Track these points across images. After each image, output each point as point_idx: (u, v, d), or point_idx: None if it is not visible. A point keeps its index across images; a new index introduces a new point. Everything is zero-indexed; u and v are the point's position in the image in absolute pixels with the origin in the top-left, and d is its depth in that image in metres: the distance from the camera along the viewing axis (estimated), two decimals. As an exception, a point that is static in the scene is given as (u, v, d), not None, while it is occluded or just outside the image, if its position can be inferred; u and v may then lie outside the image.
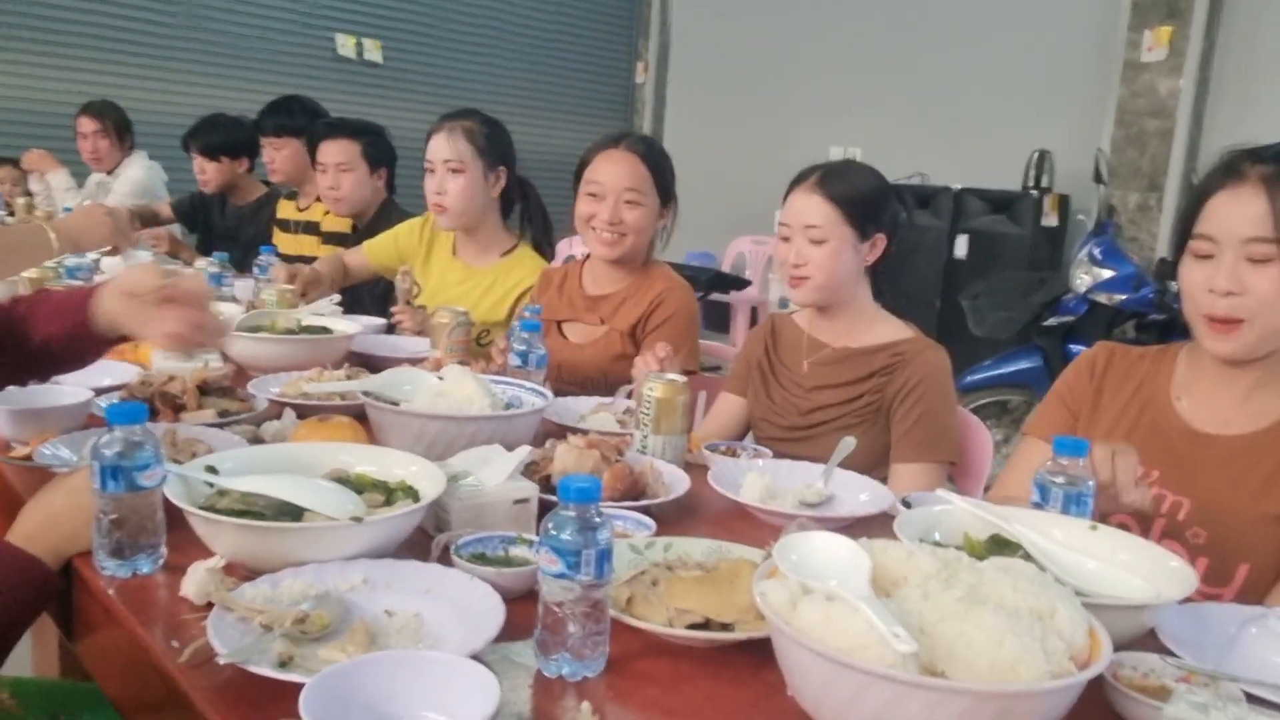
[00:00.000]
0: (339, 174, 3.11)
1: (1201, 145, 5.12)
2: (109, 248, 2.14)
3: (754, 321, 6.79)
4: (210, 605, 0.98)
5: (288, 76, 6.27)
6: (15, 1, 5.57)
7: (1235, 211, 1.28)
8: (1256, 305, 1.27)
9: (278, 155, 3.53)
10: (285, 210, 3.64)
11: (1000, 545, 1.12)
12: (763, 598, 0.84)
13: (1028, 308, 4.04)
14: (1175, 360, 1.48)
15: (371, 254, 2.73)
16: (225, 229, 4.01)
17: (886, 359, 1.82)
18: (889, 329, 1.88)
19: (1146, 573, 1.03)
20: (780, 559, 0.88)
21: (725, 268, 7.01)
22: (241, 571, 1.04)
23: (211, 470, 1.14)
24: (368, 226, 3.11)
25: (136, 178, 4.40)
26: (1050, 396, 1.58)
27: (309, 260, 3.33)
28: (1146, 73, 5.39)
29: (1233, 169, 1.31)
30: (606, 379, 2.10)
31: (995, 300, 4.14)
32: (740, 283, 6.43)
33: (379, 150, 3.16)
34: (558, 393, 2.23)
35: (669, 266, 2.29)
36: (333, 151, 3.12)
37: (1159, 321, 3.87)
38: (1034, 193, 5.37)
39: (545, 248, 2.62)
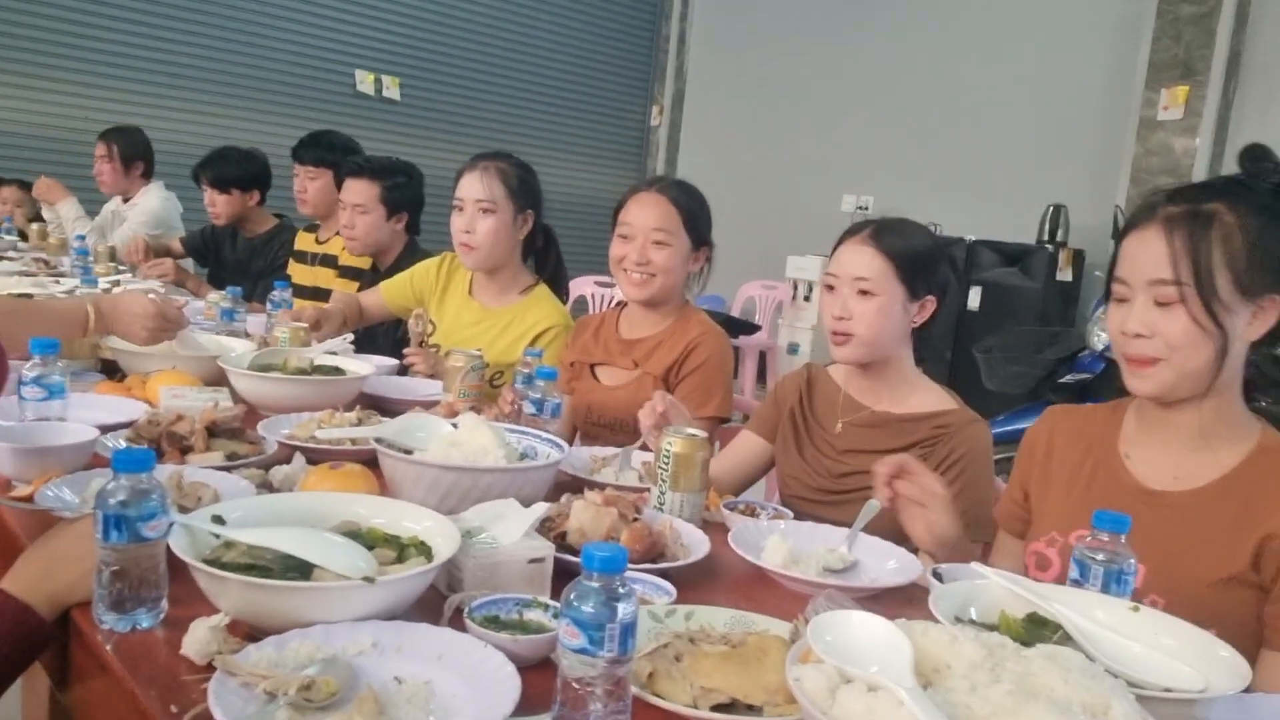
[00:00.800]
0: (355, 214, 3.11)
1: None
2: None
3: (763, 366, 6.76)
4: (211, 665, 0.94)
5: (308, 111, 6.33)
6: (41, 29, 5.64)
7: (1141, 253, 1.28)
8: (1163, 348, 1.26)
9: (310, 185, 3.53)
10: (303, 242, 3.63)
11: (1038, 624, 1.07)
12: (798, 684, 0.79)
13: (1041, 363, 4.00)
14: (1124, 415, 1.44)
15: (388, 295, 2.71)
16: (236, 261, 4.00)
17: (929, 430, 1.77)
18: (932, 397, 1.83)
19: (1193, 659, 0.98)
20: (815, 640, 0.84)
21: (735, 312, 7.00)
22: (245, 629, 0.99)
23: (218, 520, 1.10)
24: (390, 268, 3.08)
25: (151, 208, 4.40)
26: (1010, 480, 1.58)
27: (324, 293, 3.32)
28: (1161, 131, 5.41)
29: (1146, 208, 1.30)
30: (638, 422, 2.07)
31: (1009, 354, 4.11)
32: (750, 327, 6.42)
33: (401, 194, 3.13)
34: (586, 433, 2.22)
35: (705, 313, 2.27)
36: (353, 191, 3.12)
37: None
38: (1048, 247, 5.36)
39: (560, 293, 2.60)
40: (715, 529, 1.44)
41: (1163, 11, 5.35)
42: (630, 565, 1.23)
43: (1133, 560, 1.12)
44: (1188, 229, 1.24)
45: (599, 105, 8.09)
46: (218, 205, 3.87)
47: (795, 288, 6.69)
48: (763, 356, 6.75)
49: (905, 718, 0.72)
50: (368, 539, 1.13)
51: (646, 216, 2.17)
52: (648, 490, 1.53)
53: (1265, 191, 1.26)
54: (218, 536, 1.08)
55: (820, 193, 6.95)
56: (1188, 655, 0.99)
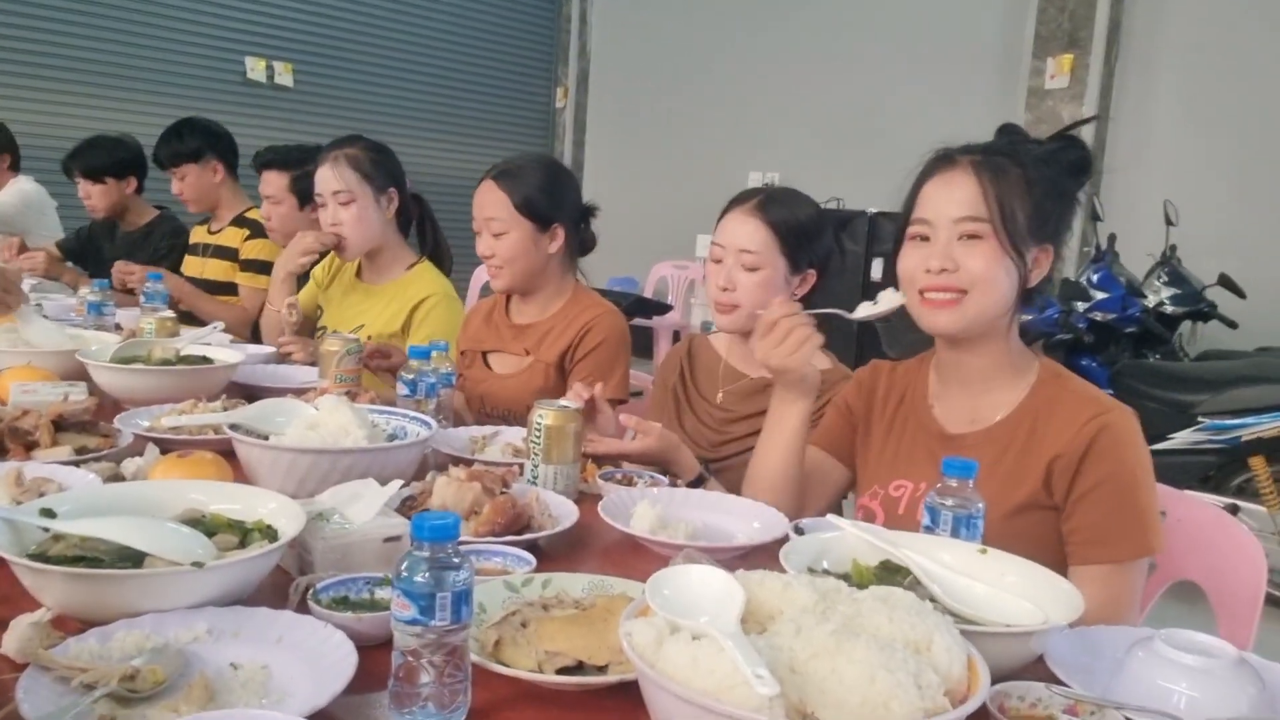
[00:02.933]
0: (269, 206, 3.06)
1: (1104, 170, 5.28)
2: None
3: (676, 346, 6.79)
4: (33, 664, 0.90)
5: (195, 100, 6.11)
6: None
7: (946, 195, 1.35)
8: (968, 281, 1.32)
9: (183, 186, 3.40)
10: (197, 235, 3.52)
11: (890, 572, 1.08)
12: (628, 638, 0.78)
13: (938, 330, 4.08)
14: (929, 368, 1.51)
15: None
16: (116, 256, 3.83)
17: None
18: None
19: (1036, 596, 1.00)
20: (652, 595, 0.83)
21: (647, 293, 7.01)
22: (75, 625, 0.95)
23: (48, 513, 1.04)
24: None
25: (6, 202, 4.19)
26: (830, 409, 1.63)
27: (218, 285, 3.22)
28: (1050, 99, 5.55)
29: (945, 158, 1.39)
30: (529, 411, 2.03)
31: (908, 322, 4.18)
32: (662, 308, 6.43)
33: (310, 182, 3.03)
34: (480, 424, 2.16)
35: (597, 293, 2.20)
36: (264, 184, 3.07)
37: (1064, 341, 3.96)
38: (945, 216, 5.47)
39: (444, 260, 2.58)
40: (593, 500, 1.43)
41: (1047, -17, 5.49)
42: (492, 538, 1.22)
43: (981, 505, 1.14)
44: (992, 172, 1.33)
45: (502, 88, 7.98)
46: (93, 197, 3.70)
47: (706, 266, 6.72)
48: (676, 336, 6.77)
49: (727, 663, 0.72)
50: (210, 526, 1.09)
51: (483, 206, 2.08)
52: (519, 465, 1.51)
53: (1032, 158, 1.36)
54: (47, 531, 1.03)
55: (728, 170, 6.97)
56: (1031, 593, 1.01)
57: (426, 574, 0.82)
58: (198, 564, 0.95)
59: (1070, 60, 5.46)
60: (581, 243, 2.19)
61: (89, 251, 3.93)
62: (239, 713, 0.79)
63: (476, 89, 7.79)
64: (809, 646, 0.74)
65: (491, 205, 2.06)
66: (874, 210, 5.77)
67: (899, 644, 0.76)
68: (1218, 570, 1.48)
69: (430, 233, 2.59)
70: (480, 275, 6.44)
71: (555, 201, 2.10)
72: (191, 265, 3.44)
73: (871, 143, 6.31)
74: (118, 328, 2.39)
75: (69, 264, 3.78)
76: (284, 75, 6.73)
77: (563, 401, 1.53)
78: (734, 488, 1.56)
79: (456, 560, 0.84)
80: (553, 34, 8.26)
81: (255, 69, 6.61)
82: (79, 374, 1.81)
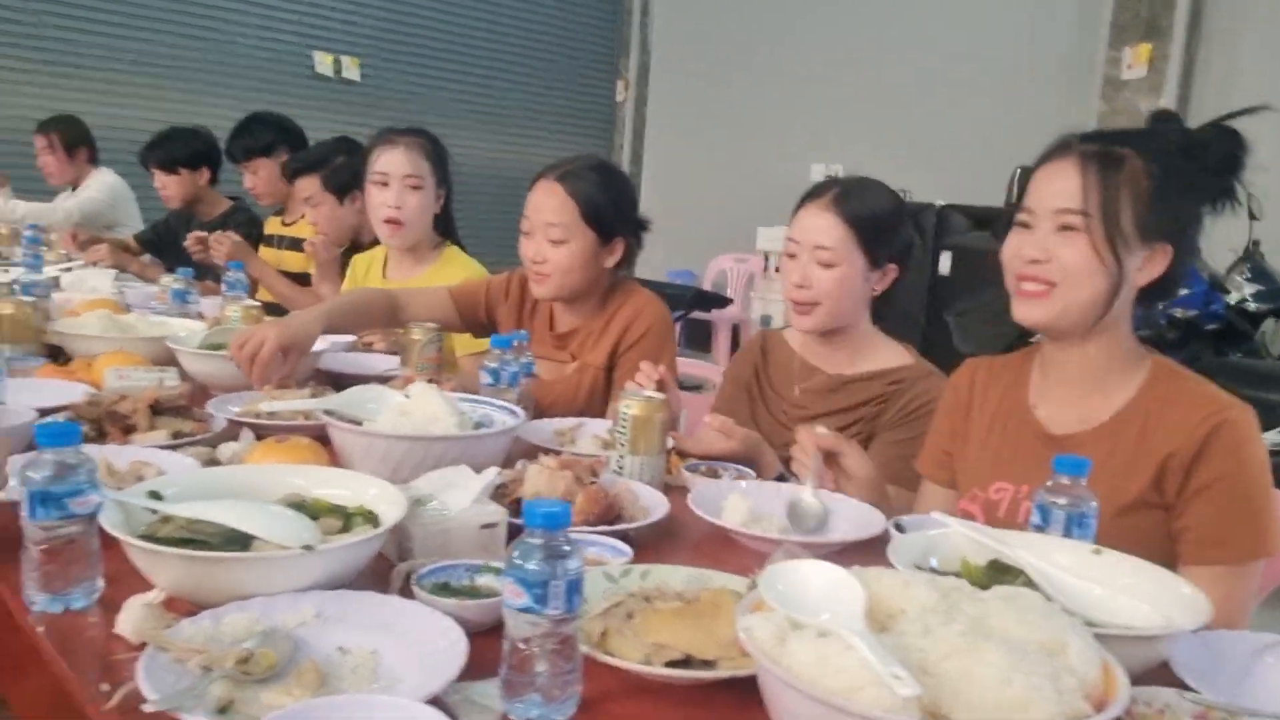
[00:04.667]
0: (309, 210, 3.08)
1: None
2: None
3: (735, 340, 6.74)
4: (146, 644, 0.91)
5: (264, 94, 6.20)
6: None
7: (1051, 183, 1.32)
8: (1059, 273, 1.29)
9: (255, 180, 3.47)
10: (272, 226, 3.59)
11: (1000, 571, 1.05)
12: (747, 634, 0.76)
13: (1014, 325, 3.99)
14: (1031, 367, 1.47)
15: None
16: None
17: (882, 387, 1.75)
18: (888, 354, 1.81)
19: (1155, 599, 0.97)
20: (766, 590, 0.81)
21: (706, 285, 6.96)
22: (185, 606, 0.96)
23: (155, 496, 1.06)
24: (372, 243, 3.03)
25: (91, 196, 4.30)
26: (931, 436, 1.60)
27: (293, 276, 3.27)
28: (1126, 90, 5.40)
29: (1061, 145, 1.35)
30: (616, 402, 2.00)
31: (982, 317, 4.10)
32: (721, 301, 6.38)
33: (343, 174, 3.04)
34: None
35: (636, 283, 2.13)
36: (301, 189, 3.10)
37: (1145, 338, 3.86)
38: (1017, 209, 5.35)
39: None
40: (677, 493, 1.41)
41: (1125, -30, 5.34)
42: (587, 528, 1.21)
43: (1094, 503, 1.10)
44: (1099, 165, 1.28)
45: (563, 82, 7.98)
46: (169, 188, 3.79)
47: (766, 259, 6.66)
48: (735, 330, 6.73)
49: (855, 662, 0.70)
50: (312, 510, 1.09)
51: (541, 209, 1.96)
52: (606, 456, 1.50)
53: (1172, 146, 1.32)
54: (154, 512, 1.04)
55: (790, 162, 6.90)
56: (1149, 595, 0.98)
57: (540, 561, 0.81)
58: (308, 547, 0.95)
59: (1149, 50, 5.30)
60: (630, 254, 2.08)
61: (166, 243, 4.02)
62: (361, 697, 0.79)
63: (538, 83, 7.80)
64: (939, 647, 0.72)
65: (553, 210, 1.94)
66: (942, 202, 5.66)
67: (1032, 646, 0.73)
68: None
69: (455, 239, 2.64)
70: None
71: (621, 212, 2.01)
72: (268, 256, 3.50)
73: (939, 133, 6.19)
74: (200, 316, 2.43)
75: (147, 256, 3.86)
76: (351, 69, 6.80)
77: (647, 392, 1.51)
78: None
79: (568, 548, 0.83)
80: (614, 27, 8.24)
81: (323, 63, 6.69)
82: (168, 360, 1.85)
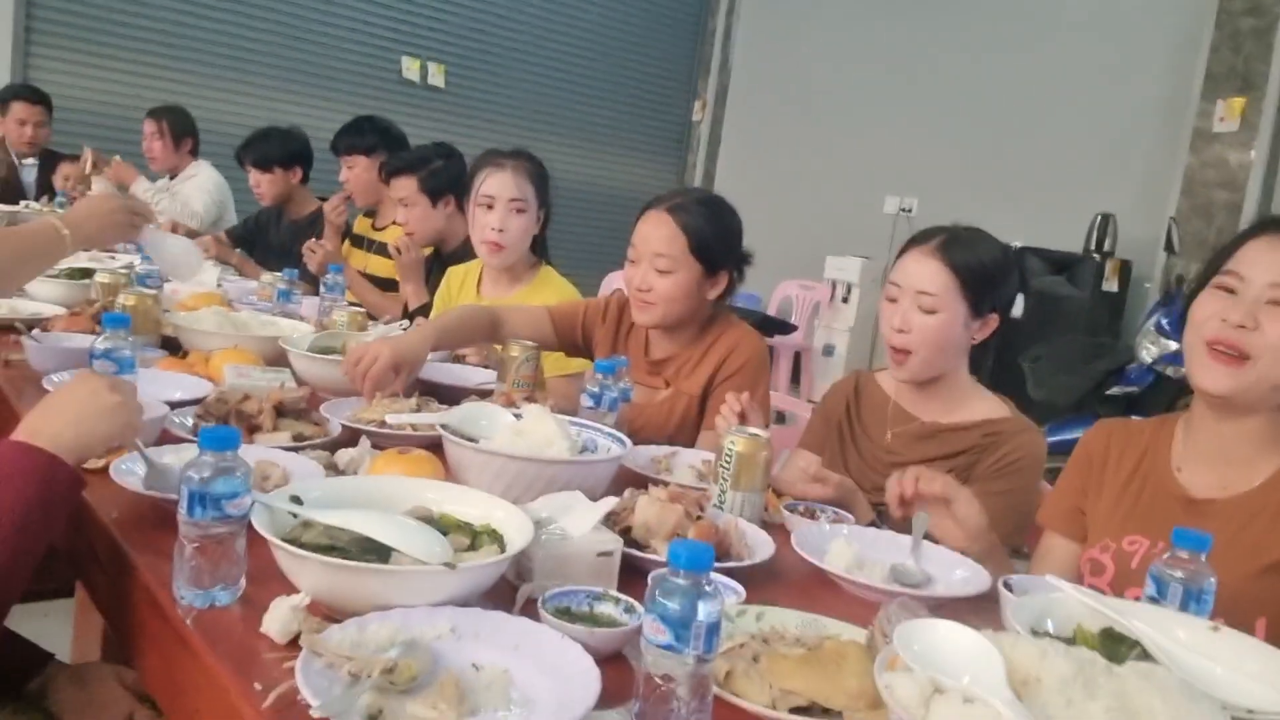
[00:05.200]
0: (405, 211, 3.15)
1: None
2: (130, 241, 2.04)
3: (797, 366, 6.74)
4: (290, 644, 0.95)
5: (353, 96, 6.36)
6: (93, 6, 5.71)
7: (1270, 257, 1.29)
8: (1261, 346, 1.27)
9: (350, 175, 3.56)
10: (361, 226, 3.67)
11: (1114, 640, 1.05)
12: (889, 691, 0.78)
13: (1090, 374, 3.96)
14: (1174, 430, 1.46)
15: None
16: (281, 245, 4.02)
17: (978, 438, 1.75)
18: (984, 406, 1.81)
19: (1275, 682, 0.97)
20: (903, 648, 0.83)
21: (771, 311, 6.97)
22: (321, 610, 1.00)
23: (296, 500, 1.10)
24: (453, 253, 3.10)
25: (211, 178, 4.47)
26: (1058, 484, 1.58)
27: (379, 281, 3.34)
28: (1217, 143, 5.32)
29: None
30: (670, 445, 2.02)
31: (1057, 364, 4.07)
32: (786, 327, 6.39)
33: (440, 179, 3.13)
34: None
35: (734, 314, 2.18)
36: (395, 189, 3.17)
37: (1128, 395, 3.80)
38: (1096, 256, 5.29)
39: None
40: (775, 530, 1.43)
41: (1222, 23, 5.26)
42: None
43: (1213, 579, 1.10)
44: None
45: (642, 98, 8.06)
46: (262, 185, 3.91)
47: (834, 288, 6.65)
48: (797, 357, 6.72)
49: (1003, 730, 0.71)
50: (440, 525, 1.13)
51: (650, 239, 2.00)
52: (707, 488, 1.52)
53: None
54: (295, 516, 1.09)
55: (862, 193, 6.90)
56: (1270, 678, 0.98)
57: (683, 601, 0.84)
58: (449, 564, 0.99)
59: (1242, 103, 5.22)
60: (732, 286, 2.12)
61: (256, 239, 4.14)
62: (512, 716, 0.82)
63: (617, 98, 7.89)
64: (1084, 720, 0.73)
65: (662, 241, 1.98)
66: (1018, 244, 5.61)
67: (1177, 728, 0.74)
68: None
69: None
70: (610, 284, 6.52)
71: (727, 247, 2.04)
72: (356, 258, 3.58)
73: (1019, 174, 6.14)
74: (301, 318, 2.50)
75: (239, 251, 3.98)
76: (436, 76, 6.94)
77: (752, 429, 1.54)
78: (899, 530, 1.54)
79: (709, 590, 0.86)
80: (695, 47, 8.30)
81: (410, 68, 6.83)
82: (278, 360, 1.91)
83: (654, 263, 1.99)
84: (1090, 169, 5.80)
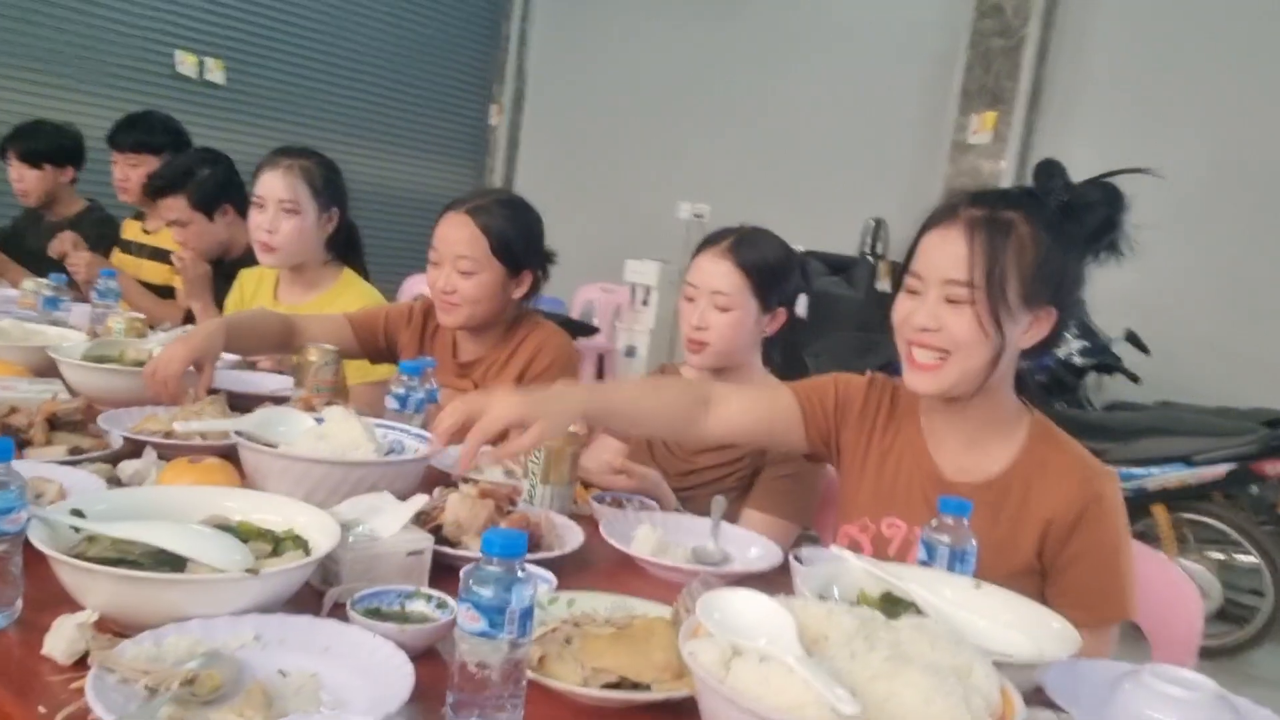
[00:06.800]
0: (180, 231, 2.92)
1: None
2: None
3: (601, 368, 6.82)
4: (77, 665, 0.90)
5: (122, 92, 5.91)
6: None
7: (939, 251, 1.32)
8: (950, 343, 1.31)
9: (133, 174, 3.27)
10: (130, 230, 3.39)
11: (892, 602, 1.15)
12: (692, 657, 0.83)
13: (863, 368, 4.24)
14: (919, 413, 1.49)
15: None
16: (41, 249, 3.67)
17: None
18: None
19: (1029, 631, 1.09)
20: (705, 617, 0.88)
21: (574, 314, 7.03)
22: (111, 627, 0.95)
23: (78, 514, 1.04)
24: (237, 260, 2.92)
25: None
26: (828, 381, 1.59)
27: (153, 288, 3.12)
28: (971, 153, 5.82)
29: (947, 210, 1.35)
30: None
31: (834, 359, 4.33)
32: (589, 329, 6.46)
33: (208, 189, 2.91)
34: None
35: (540, 314, 2.20)
36: (166, 210, 2.93)
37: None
38: (870, 258, 5.67)
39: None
40: (585, 521, 1.47)
41: (975, 43, 5.77)
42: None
43: (974, 542, 1.22)
44: (987, 234, 1.29)
45: (436, 100, 7.93)
46: (26, 181, 3.54)
47: (634, 291, 6.79)
48: (601, 359, 6.81)
49: (796, 683, 0.78)
50: (239, 533, 1.10)
51: (451, 241, 2.01)
52: (518, 484, 1.54)
53: (1053, 208, 1.33)
54: (77, 531, 1.02)
55: (658, 198, 7.08)
56: (1024, 627, 1.10)
57: (497, 588, 0.86)
58: (252, 571, 0.96)
59: (994, 117, 5.74)
60: (537, 286, 2.15)
61: (12, 246, 3.75)
62: (322, 717, 0.81)
63: (410, 99, 7.72)
64: (866, 670, 0.81)
65: (463, 242, 1.99)
66: (801, 248, 5.92)
67: (945, 669, 0.83)
68: (1159, 615, 1.57)
69: (358, 260, 2.59)
70: (409, 288, 6.39)
71: (530, 246, 2.07)
72: (127, 264, 3.33)
73: (800, 183, 6.49)
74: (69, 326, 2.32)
75: None
76: (215, 72, 6.55)
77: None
78: (700, 510, 1.60)
79: (522, 576, 0.88)
80: (491, 51, 8.26)
81: (185, 63, 6.42)
82: (47, 371, 1.77)
83: (456, 264, 2.00)
84: (863, 177, 6.21)
